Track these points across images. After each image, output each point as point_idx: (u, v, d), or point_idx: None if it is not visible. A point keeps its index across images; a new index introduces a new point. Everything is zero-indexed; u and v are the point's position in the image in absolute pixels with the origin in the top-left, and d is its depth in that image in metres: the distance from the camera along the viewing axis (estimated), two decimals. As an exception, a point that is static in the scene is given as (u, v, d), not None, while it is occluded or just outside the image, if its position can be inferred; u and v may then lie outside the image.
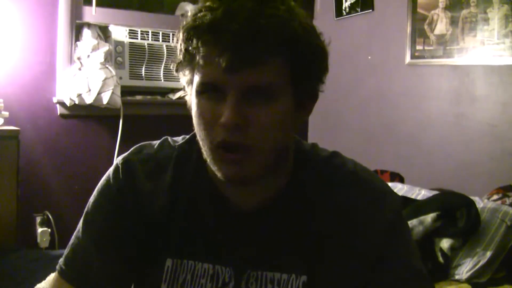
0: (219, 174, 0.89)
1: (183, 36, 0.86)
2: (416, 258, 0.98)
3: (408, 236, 1.01)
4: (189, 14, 0.87)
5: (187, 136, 1.04)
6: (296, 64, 0.86)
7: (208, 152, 0.89)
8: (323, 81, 0.92)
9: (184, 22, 0.87)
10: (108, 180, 1.01)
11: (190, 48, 0.85)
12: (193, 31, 0.84)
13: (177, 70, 0.92)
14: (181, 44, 0.87)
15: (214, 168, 0.89)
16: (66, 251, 1.02)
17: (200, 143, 0.91)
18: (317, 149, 1.04)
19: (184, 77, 0.92)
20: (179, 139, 1.05)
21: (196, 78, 0.87)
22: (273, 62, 0.84)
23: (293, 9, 0.86)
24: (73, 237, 1.02)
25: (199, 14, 0.84)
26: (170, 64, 0.95)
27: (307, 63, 0.88)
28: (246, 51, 0.81)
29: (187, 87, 0.93)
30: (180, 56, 0.88)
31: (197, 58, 0.85)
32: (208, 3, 0.85)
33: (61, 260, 1.01)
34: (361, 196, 0.97)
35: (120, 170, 1.00)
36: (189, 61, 0.87)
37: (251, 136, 0.85)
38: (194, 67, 0.87)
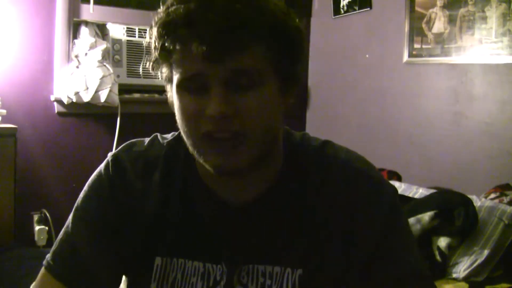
0: (207, 166, 0.88)
1: (157, 32, 0.83)
2: (413, 253, 0.95)
3: (405, 230, 0.98)
4: (161, 9, 0.84)
5: (176, 133, 1.02)
6: (276, 47, 0.85)
7: (194, 145, 0.87)
8: (302, 61, 0.92)
9: (157, 18, 0.84)
10: (99, 176, 1.00)
11: (166, 44, 0.82)
12: (168, 26, 0.81)
13: (153, 69, 0.90)
14: (155, 41, 0.84)
15: (201, 160, 0.88)
16: (54, 246, 1.00)
17: (185, 138, 0.89)
18: (308, 138, 1.02)
19: (162, 74, 0.90)
20: (169, 136, 1.04)
21: (176, 74, 0.85)
22: (253, 47, 0.82)
23: None
24: (61, 232, 1.01)
25: (171, 8, 0.82)
26: (146, 63, 0.93)
27: (286, 45, 0.86)
28: (224, 40, 0.79)
29: (167, 84, 0.91)
30: (155, 54, 0.86)
31: (174, 53, 0.83)
32: None
33: (48, 256, 0.99)
34: (355, 188, 0.95)
35: (111, 166, 0.99)
36: (165, 57, 0.85)
37: (239, 124, 0.83)
38: (171, 63, 0.86)
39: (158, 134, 1.05)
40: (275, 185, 0.96)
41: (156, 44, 0.84)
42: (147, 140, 1.04)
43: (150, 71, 0.91)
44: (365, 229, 0.93)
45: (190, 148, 0.89)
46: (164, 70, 0.89)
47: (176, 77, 0.85)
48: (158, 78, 0.93)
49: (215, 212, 0.97)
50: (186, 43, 0.81)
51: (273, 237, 0.95)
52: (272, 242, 0.95)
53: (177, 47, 0.82)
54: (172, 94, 0.90)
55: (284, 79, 0.89)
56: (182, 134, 0.90)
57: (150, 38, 0.86)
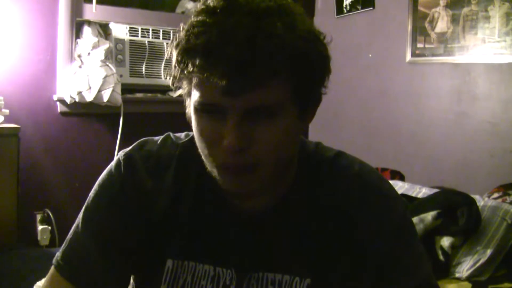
0: (223, 188, 0.89)
1: (176, 56, 0.81)
2: (424, 266, 0.96)
3: (415, 243, 0.98)
4: (183, 28, 0.82)
5: (190, 134, 1.00)
6: (298, 79, 0.82)
7: (211, 168, 0.87)
8: (325, 85, 0.89)
9: (178, 37, 0.82)
10: (110, 175, 0.99)
11: (185, 71, 0.80)
12: (187, 54, 0.79)
13: (173, 84, 0.87)
14: (175, 63, 0.82)
15: (218, 181, 0.88)
16: (63, 246, 0.99)
17: (202, 157, 0.89)
18: (322, 149, 1.01)
19: (182, 90, 0.88)
20: (182, 136, 1.03)
21: (195, 95, 0.83)
22: (274, 81, 0.79)
23: (291, 21, 0.80)
24: (71, 231, 0.99)
25: (192, 31, 0.79)
26: (166, 77, 0.91)
27: (309, 75, 0.84)
28: (244, 75, 0.76)
29: (186, 99, 0.89)
30: (175, 72, 0.84)
31: (194, 78, 0.82)
32: (201, 17, 0.79)
33: (58, 255, 0.98)
34: (366, 200, 0.94)
35: (122, 165, 0.98)
36: (185, 76, 0.83)
37: (255, 155, 0.83)
38: (191, 81, 0.84)
39: (171, 133, 1.04)
40: (288, 194, 0.96)
41: (176, 65, 0.82)
42: (159, 139, 1.03)
43: (171, 86, 0.89)
44: (375, 242, 0.93)
45: (207, 166, 0.89)
46: (184, 86, 0.87)
47: (194, 98, 0.84)
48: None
49: (227, 218, 0.96)
50: (204, 73, 0.78)
51: (283, 246, 0.95)
52: (282, 250, 0.95)
53: (196, 74, 0.80)
54: (190, 110, 0.89)
55: (305, 104, 0.87)
56: (200, 153, 0.89)
57: (171, 55, 0.84)
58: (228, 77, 0.76)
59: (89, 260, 0.96)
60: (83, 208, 1.00)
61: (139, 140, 1.03)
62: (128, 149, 1.02)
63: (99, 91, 2.95)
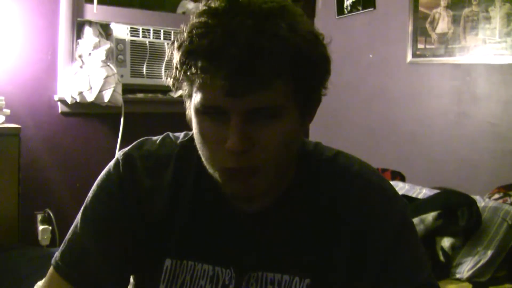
0: (226, 191, 0.89)
1: (179, 58, 0.81)
2: (424, 267, 0.95)
3: (415, 243, 0.97)
4: (184, 29, 0.82)
5: (190, 133, 1.01)
6: (300, 80, 0.83)
7: (214, 172, 0.87)
8: (326, 86, 0.90)
9: (179, 39, 0.82)
10: (108, 174, 0.99)
11: (188, 72, 0.80)
12: (190, 56, 0.79)
13: (174, 85, 0.87)
14: (177, 64, 0.82)
15: (221, 184, 0.88)
16: (62, 246, 0.99)
17: (203, 159, 0.89)
18: (321, 148, 1.01)
19: (183, 91, 0.88)
20: (181, 136, 1.03)
21: (196, 97, 0.83)
22: (277, 83, 0.80)
23: (294, 23, 0.81)
24: (70, 231, 0.99)
25: (195, 32, 0.79)
26: (166, 78, 0.90)
27: (311, 76, 0.84)
28: (248, 76, 0.77)
29: (186, 100, 0.89)
30: (176, 74, 0.84)
31: (196, 79, 0.81)
32: (203, 19, 0.79)
33: (57, 255, 0.98)
34: (367, 200, 0.94)
35: (121, 165, 0.98)
36: (187, 77, 0.83)
37: (259, 157, 0.83)
38: (193, 83, 0.84)
39: (170, 133, 1.04)
40: (287, 193, 0.95)
41: (178, 66, 0.82)
42: (158, 138, 1.03)
43: (171, 88, 0.89)
44: (376, 242, 0.93)
45: (208, 169, 0.89)
46: (185, 87, 0.87)
47: (195, 100, 0.84)
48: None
49: (226, 217, 0.96)
50: (208, 74, 0.78)
51: (283, 245, 0.95)
52: (281, 250, 0.95)
53: (199, 76, 0.80)
54: (190, 111, 0.89)
55: (306, 105, 0.88)
56: (201, 155, 0.89)
57: (171, 56, 0.84)
58: (231, 79, 0.77)
59: (88, 260, 0.96)
60: (82, 208, 1.00)
61: (137, 140, 1.03)
62: (126, 148, 1.02)
63: (100, 91, 2.95)
